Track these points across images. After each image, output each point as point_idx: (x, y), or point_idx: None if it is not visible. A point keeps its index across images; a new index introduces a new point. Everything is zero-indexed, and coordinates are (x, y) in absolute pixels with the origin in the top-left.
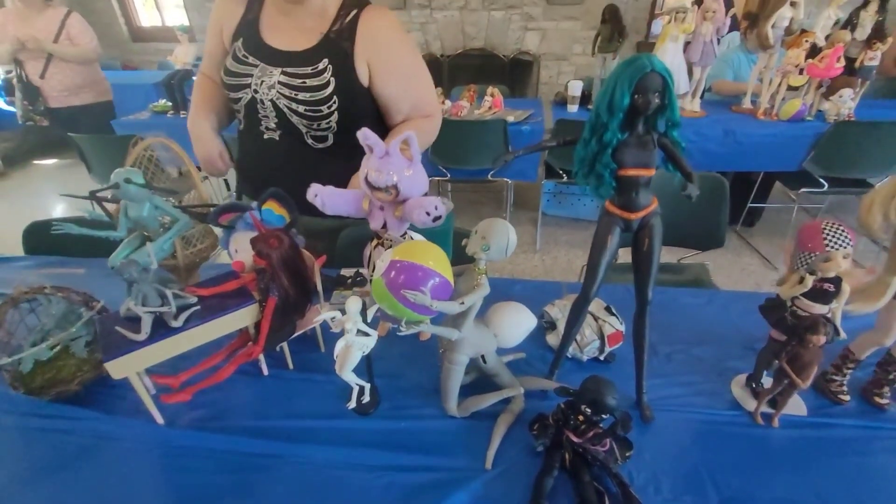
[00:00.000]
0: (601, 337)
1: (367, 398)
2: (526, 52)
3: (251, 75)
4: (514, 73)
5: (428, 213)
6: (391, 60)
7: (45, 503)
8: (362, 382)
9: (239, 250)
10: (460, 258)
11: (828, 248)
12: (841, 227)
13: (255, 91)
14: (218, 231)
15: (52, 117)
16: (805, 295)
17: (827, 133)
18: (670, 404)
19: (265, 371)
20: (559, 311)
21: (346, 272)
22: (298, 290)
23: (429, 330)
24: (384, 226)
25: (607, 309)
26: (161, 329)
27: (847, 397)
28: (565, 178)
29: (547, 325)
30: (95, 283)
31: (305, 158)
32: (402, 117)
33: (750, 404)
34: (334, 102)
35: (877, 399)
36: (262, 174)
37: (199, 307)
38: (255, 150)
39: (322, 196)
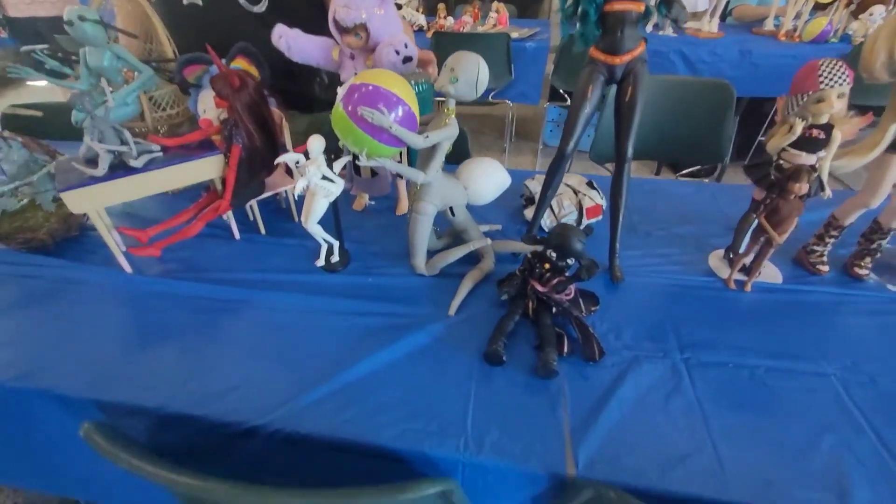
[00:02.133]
0: (580, 209)
1: (335, 257)
2: None
3: None
4: None
5: (398, 52)
6: None
7: (12, 334)
8: (330, 239)
9: (207, 109)
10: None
11: (822, 86)
12: (839, 64)
13: None
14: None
15: (16, 29)
16: (793, 145)
17: (850, 55)
18: (643, 271)
19: (237, 235)
20: (538, 184)
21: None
22: (265, 142)
23: (391, 167)
24: None
25: (589, 184)
26: (121, 169)
27: (826, 268)
28: (568, 101)
29: (526, 201)
30: None
31: (235, 27)
32: None
33: (725, 273)
34: None
35: (856, 270)
36: (184, 48)
37: (160, 154)
38: (173, 21)
39: (287, 38)
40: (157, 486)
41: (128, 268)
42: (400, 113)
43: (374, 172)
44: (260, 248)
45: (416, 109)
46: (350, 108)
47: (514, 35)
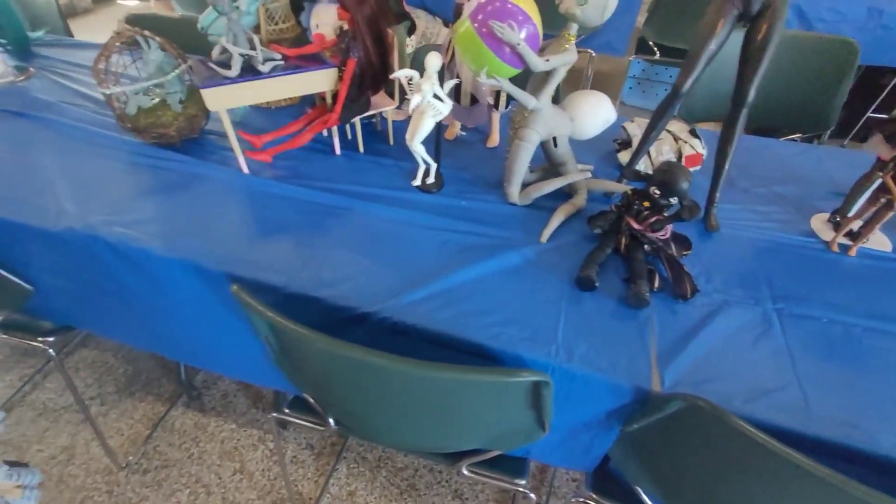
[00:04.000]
0: (679, 157)
1: (431, 179)
2: None
3: None
4: None
5: None
6: None
7: (154, 213)
8: (429, 160)
9: (320, 24)
10: None
11: None
12: None
13: None
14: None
15: None
16: None
17: None
18: (739, 224)
19: (338, 150)
20: (637, 127)
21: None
22: (378, 60)
23: (507, 89)
24: None
25: (691, 132)
26: (249, 73)
27: None
28: (658, 55)
29: (619, 145)
30: None
31: None
32: None
33: (828, 235)
34: None
35: None
36: None
37: (282, 62)
38: None
39: None
40: (261, 362)
41: (245, 168)
42: (527, 32)
43: (473, 101)
44: (359, 164)
45: (541, 31)
46: (478, 22)
47: None
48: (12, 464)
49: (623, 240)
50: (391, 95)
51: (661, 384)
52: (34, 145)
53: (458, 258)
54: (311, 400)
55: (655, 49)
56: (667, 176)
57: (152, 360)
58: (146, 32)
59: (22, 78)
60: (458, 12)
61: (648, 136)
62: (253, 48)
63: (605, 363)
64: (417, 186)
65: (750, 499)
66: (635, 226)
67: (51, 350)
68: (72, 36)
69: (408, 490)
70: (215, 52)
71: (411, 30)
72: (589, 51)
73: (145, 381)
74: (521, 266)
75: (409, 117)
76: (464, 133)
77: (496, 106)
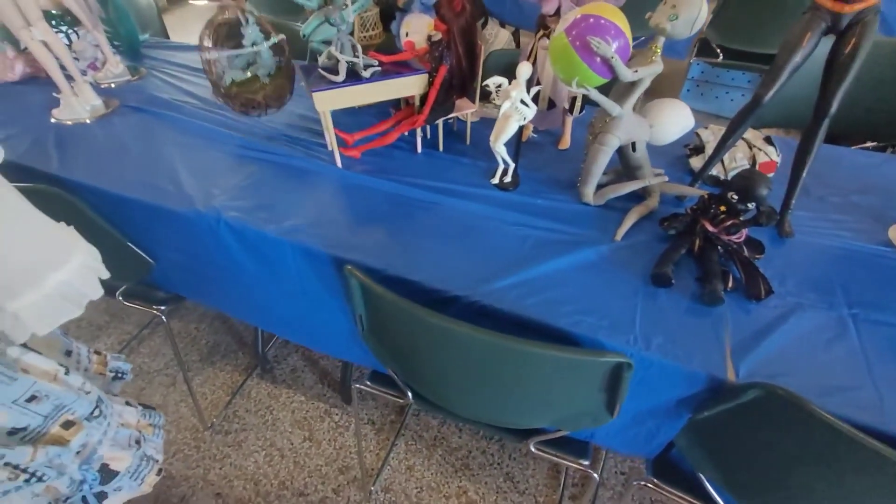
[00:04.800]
0: (753, 163)
1: (508, 178)
2: None
3: None
4: None
5: None
6: None
7: (264, 199)
8: (509, 160)
9: (410, 32)
10: None
11: None
12: None
13: None
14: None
15: None
16: None
17: None
18: (813, 231)
19: (419, 148)
20: (710, 133)
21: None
22: (467, 67)
23: (595, 97)
24: (557, 11)
25: (766, 139)
26: (352, 78)
27: None
28: (721, 58)
29: (691, 150)
30: None
31: None
32: None
33: None
34: None
35: None
36: None
37: (378, 69)
38: None
39: None
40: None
41: (339, 163)
42: (618, 45)
43: (550, 105)
44: (439, 162)
45: (630, 42)
46: (573, 36)
47: None
48: (144, 406)
49: (697, 241)
50: (472, 99)
51: (736, 374)
52: (155, 137)
53: (537, 252)
54: (393, 374)
55: (719, 51)
56: (747, 182)
57: (230, 334)
58: (246, 6)
59: (136, 77)
60: (541, 23)
61: (725, 144)
62: (356, 56)
63: (681, 353)
64: (495, 184)
65: (818, 487)
66: (711, 228)
67: (163, 318)
68: (168, 37)
69: (462, 469)
70: (322, 59)
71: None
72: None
73: (224, 352)
74: (597, 261)
75: (482, 118)
76: (535, 135)
77: (571, 111)
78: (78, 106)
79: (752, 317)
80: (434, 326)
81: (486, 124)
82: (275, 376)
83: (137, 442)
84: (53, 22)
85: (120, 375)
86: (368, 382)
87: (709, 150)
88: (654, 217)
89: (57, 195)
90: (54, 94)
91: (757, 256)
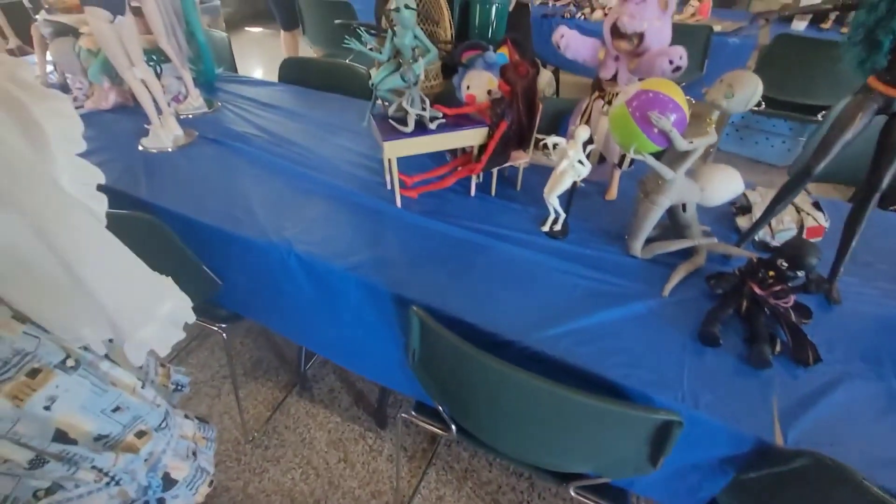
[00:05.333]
0: (801, 227)
1: (559, 227)
2: None
3: None
4: None
5: (671, 62)
6: None
7: (327, 233)
8: (560, 210)
9: (471, 86)
10: None
11: None
12: None
13: None
14: None
15: None
16: None
17: None
18: (861, 298)
19: (472, 192)
20: (759, 196)
21: (542, 136)
22: (525, 123)
23: (652, 163)
24: (613, 76)
25: (815, 204)
26: (419, 129)
27: None
28: (763, 106)
29: (737, 209)
30: (335, 113)
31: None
32: None
33: None
34: None
35: None
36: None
37: (443, 120)
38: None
39: (568, 37)
40: (396, 369)
41: (399, 203)
42: (676, 117)
43: (601, 160)
44: (491, 206)
45: (687, 115)
46: (633, 107)
47: (717, 28)
48: (199, 419)
49: (744, 302)
50: (526, 149)
51: (784, 440)
52: (230, 167)
53: (587, 302)
54: (439, 407)
55: (761, 100)
56: (797, 251)
57: (272, 351)
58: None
59: (212, 110)
60: (597, 85)
61: (773, 209)
62: (424, 109)
63: (729, 413)
64: (545, 232)
65: None
66: (759, 291)
67: (224, 334)
68: (237, 71)
69: None
70: (392, 110)
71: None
72: (689, 98)
73: (266, 368)
74: (646, 315)
75: (533, 164)
76: (582, 184)
77: (620, 165)
78: (163, 136)
79: (799, 382)
80: (491, 369)
81: (537, 170)
82: (313, 395)
83: (194, 453)
84: (144, 58)
85: (179, 388)
86: (413, 412)
87: (756, 210)
88: (701, 273)
89: (148, 221)
90: (145, 126)
91: (805, 321)
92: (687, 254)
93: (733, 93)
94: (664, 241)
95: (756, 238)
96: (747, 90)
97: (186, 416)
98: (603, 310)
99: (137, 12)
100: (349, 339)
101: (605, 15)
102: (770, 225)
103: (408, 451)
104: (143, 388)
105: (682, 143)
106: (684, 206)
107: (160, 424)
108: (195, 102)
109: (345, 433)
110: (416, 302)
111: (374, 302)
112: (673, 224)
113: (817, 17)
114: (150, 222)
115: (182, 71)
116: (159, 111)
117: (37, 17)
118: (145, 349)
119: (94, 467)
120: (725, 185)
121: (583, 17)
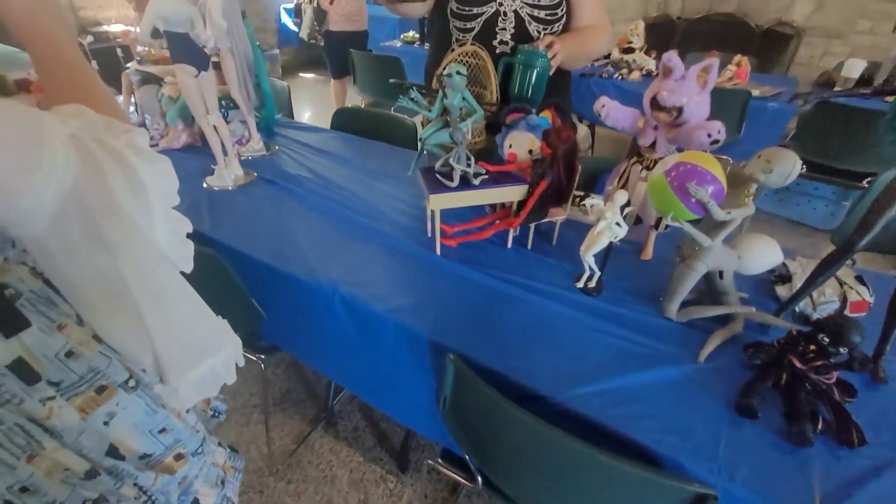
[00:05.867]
0: (843, 301)
1: (593, 284)
2: (788, 22)
3: None
4: (764, 47)
5: (709, 136)
6: None
7: (370, 277)
8: (595, 268)
9: (513, 145)
10: None
11: None
12: None
13: (500, 4)
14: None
15: (327, 38)
16: None
17: None
18: None
19: (509, 244)
20: (799, 265)
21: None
22: (564, 182)
23: (689, 230)
24: (652, 144)
25: (858, 278)
26: (463, 184)
27: None
28: (804, 169)
29: (777, 278)
30: (381, 161)
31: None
32: (585, 22)
33: None
34: (565, 3)
35: None
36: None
37: (486, 176)
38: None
39: (609, 107)
40: (426, 415)
41: (438, 250)
42: (713, 188)
43: (637, 221)
44: (527, 259)
45: (725, 187)
46: (672, 177)
47: (756, 93)
48: (231, 448)
49: (784, 375)
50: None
51: None
52: (284, 208)
53: (621, 362)
54: (467, 456)
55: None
56: (839, 328)
57: (301, 383)
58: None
59: (270, 153)
60: (635, 150)
61: (814, 282)
62: (469, 165)
63: (767, 490)
64: (580, 288)
65: None
66: (799, 365)
67: (262, 365)
68: (293, 116)
69: None
70: (438, 165)
71: None
72: (727, 158)
73: (294, 400)
74: (680, 380)
75: (569, 219)
76: (618, 243)
77: (656, 227)
78: (226, 175)
79: (842, 464)
80: (522, 423)
81: (572, 226)
82: (338, 431)
83: (222, 482)
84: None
85: (217, 415)
86: (440, 460)
87: (796, 280)
88: (737, 341)
89: (211, 255)
90: (212, 166)
91: (848, 399)
92: (723, 320)
93: (772, 168)
94: (700, 307)
95: (796, 309)
96: (786, 165)
97: (220, 444)
98: (636, 371)
99: (216, 66)
100: (382, 378)
101: (642, 75)
102: (811, 296)
103: (428, 498)
104: (187, 412)
105: (719, 214)
106: (721, 272)
107: (197, 449)
108: (256, 146)
109: (366, 474)
110: (452, 349)
111: (410, 345)
112: (709, 290)
113: (858, 83)
114: (213, 257)
115: (248, 117)
116: (225, 153)
117: (128, 65)
118: (197, 392)
119: (135, 485)
120: (763, 254)
121: (620, 77)
